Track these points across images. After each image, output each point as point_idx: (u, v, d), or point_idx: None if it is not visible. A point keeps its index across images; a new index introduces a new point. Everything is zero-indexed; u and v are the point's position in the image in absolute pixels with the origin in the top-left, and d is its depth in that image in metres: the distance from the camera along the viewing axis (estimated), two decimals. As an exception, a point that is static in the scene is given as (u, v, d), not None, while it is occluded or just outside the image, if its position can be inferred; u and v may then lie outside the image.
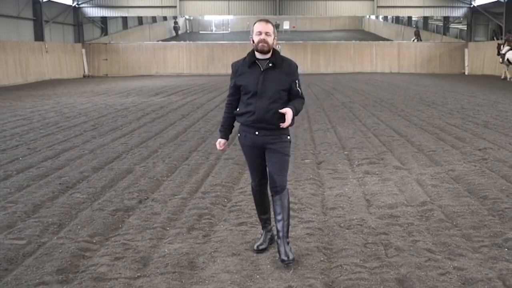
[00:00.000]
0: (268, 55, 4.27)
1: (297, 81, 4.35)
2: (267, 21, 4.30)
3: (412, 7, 37.42)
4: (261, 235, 4.64)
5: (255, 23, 4.30)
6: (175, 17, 50.32)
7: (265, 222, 4.63)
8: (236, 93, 4.41)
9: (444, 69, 37.65)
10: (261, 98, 4.23)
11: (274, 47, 4.30)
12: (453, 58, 37.68)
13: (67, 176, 7.18)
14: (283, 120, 4.20)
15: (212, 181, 6.88)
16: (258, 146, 4.35)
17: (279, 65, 4.28)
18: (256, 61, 4.29)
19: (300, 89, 4.38)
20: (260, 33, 4.21)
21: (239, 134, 4.45)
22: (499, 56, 29.11)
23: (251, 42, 4.28)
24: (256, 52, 4.28)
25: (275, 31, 4.32)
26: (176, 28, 53.39)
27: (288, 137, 4.39)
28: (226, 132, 4.57)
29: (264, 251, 4.49)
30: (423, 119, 12.82)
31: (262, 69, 4.26)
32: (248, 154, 4.44)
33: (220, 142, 4.57)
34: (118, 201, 6.01)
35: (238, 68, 4.37)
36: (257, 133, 4.30)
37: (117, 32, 41.20)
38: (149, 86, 25.21)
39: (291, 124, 4.29)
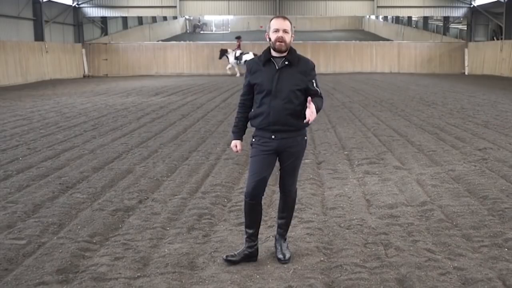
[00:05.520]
0: (284, 53, 4.10)
1: (314, 81, 4.16)
2: (284, 17, 4.11)
3: (412, 7, 37.40)
4: (243, 246, 4.35)
5: (271, 20, 4.12)
6: (179, 18, 50.87)
7: (249, 237, 4.29)
8: (249, 92, 4.22)
9: (444, 69, 37.64)
10: (276, 98, 4.05)
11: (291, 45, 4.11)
12: (453, 58, 37.67)
13: (67, 176, 7.18)
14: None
15: (212, 181, 6.88)
16: (273, 151, 4.14)
17: (296, 63, 4.11)
18: (272, 58, 4.12)
19: (318, 88, 4.20)
20: (277, 30, 4.03)
21: (253, 139, 4.22)
22: (234, 59, 33.23)
23: (267, 39, 4.11)
24: (272, 50, 4.12)
25: (293, 28, 4.13)
26: (196, 26, 54.21)
27: (305, 138, 4.24)
28: (240, 133, 4.36)
29: (234, 263, 4.23)
30: (423, 119, 12.82)
31: (277, 67, 4.09)
32: (258, 159, 4.15)
33: (236, 145, 4.36)
34: (118, 201, 6.01)
35: (253, 66, 4.20)
36: (273, 136, 4.11)
37: (117, 32, 41.20)
38: (149, 86, 25.21)
39: (308, 124, 4.12)
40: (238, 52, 33.30)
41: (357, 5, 37.16)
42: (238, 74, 33.49)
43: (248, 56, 32.77)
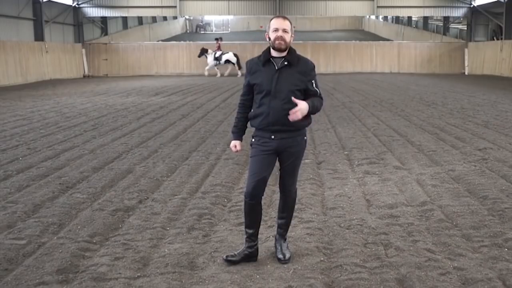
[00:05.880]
0: (284, 53, 4.10)
1: (313, 81, 4.16)
2: (284, 17, 4.13)
3: (412, 7, 37.41)
4: (243, 246, 4.35)
5: (271, 19, 4.13)
6: (180, 18, 51.04)
7: (249, 237, 4.29)
8: (249, 92, 4.23)
9: (444, 69, 37.64)
10: (275, 98, 4.05)
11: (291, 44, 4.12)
12: (453, 58, 37.68)
13: (67, 176, 7.18)
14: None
15: (212, 181, 6.88)
16: (273, 151, 4.14)
17: (295, 63, 4.11)
18: (271, 59, 4.12)
19: (318, 89, 4.19)
20: (276, 30, 4.05)
21: (253, 139, 4.23)
22: (214, 60, 33.61)
23: (267, 39, 4.11)
24: (271, 50, 4.12)
25: (293, 28, 4.14)
26: (199, 26, 54.56)
27: (305, 138, 4.24)
28: (240, 133, 4.36)
29: (234, 263, 4.24)
30: (423, 119, 12.82)
31: (277, 68, 4.09)
32: (258, 159, 4.16)
33: (235, 145, 4.36)
34: (118, 201, 6.01)
35: (252, 66, 4.20)
36: (273, 137, 4.11)
37: (117, 32, 41.19)
38: (149, 86, 25.21)
39: (308, 124, 4.12)
40: (218, 53, 33.79)
41: (357, 5, 37.17)
42: (207, 74, 33.95)
43: (228, 56, 33.47)
